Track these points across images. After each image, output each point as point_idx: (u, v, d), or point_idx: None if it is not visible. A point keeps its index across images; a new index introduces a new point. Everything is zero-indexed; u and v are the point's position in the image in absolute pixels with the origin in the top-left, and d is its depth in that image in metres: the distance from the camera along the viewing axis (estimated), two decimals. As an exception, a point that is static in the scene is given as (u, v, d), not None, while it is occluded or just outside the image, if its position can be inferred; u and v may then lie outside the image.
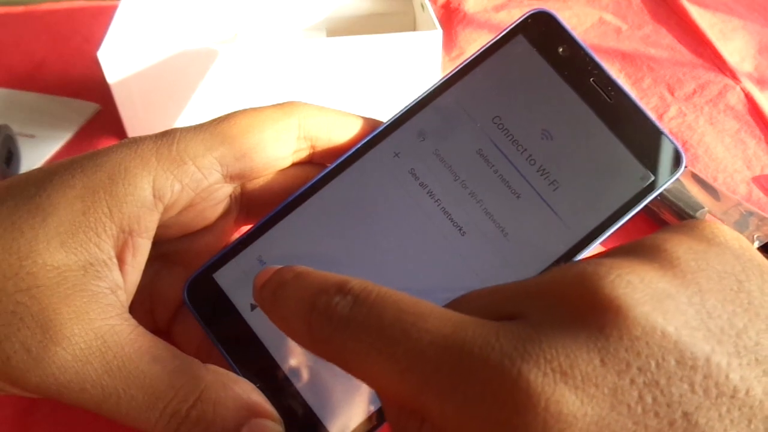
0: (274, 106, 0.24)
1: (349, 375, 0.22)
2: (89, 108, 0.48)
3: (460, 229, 0.23)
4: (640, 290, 0.14)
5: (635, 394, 0.13)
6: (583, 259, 0.16)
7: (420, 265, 0.23)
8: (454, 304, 0.17)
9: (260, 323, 0.23)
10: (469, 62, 0.24)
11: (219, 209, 0.24)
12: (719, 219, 0.34)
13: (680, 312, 0.13)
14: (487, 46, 0.24)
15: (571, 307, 0.14)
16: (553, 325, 0.14)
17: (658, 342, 0.13)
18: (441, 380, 0.14)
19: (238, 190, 0.25)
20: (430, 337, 0.14)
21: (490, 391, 0.13)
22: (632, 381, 0.13)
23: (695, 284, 0.14)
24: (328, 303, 0.16)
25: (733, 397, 0.13)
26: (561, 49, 0.23)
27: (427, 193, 0.23)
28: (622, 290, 0.14)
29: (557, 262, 0.22)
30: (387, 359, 0.14)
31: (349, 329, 0.15)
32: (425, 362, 0.14)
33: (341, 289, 0.16)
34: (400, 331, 0.14)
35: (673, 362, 0.13)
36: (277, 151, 0.23)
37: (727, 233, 0.16)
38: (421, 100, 0.24)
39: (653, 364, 0.13)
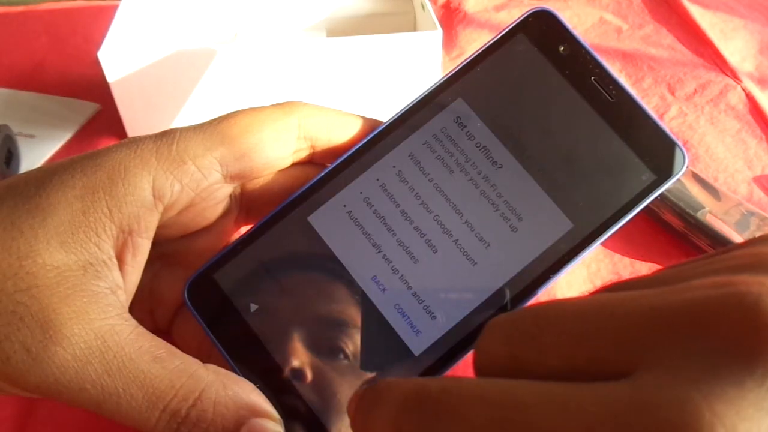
0: (273, 105, 0.24)
1: (348, 375, 0.22)
2: (89, 108, 0.48)
3: (464, 225, 0.23)
4: None
5: None
6: (711, 280, 0.12)
7: (423, 262, 0.23)
8: (493, 340, 0.14)
9: (260, 323, 0.23)
10: (469, 61, 0.24)
11: (219, 209, 0.24)
12: (720, 219, 0.34)
13: None
14: (488, 45, 0.24)
15: (738, 346, 0.10)
16: (721, 380, 0.10)
17: None
18: None
19: (238, 190, 0.25)
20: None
21: None
22: None
23: None
24: (412, 421, 0.14)
25: None
26: (562, 48, 0.23)
27: (427, 191, 0.23)
28: None
29: (559, 260, 0.22)
30: None
31: None
32: None
33: (421, 400, 0.14)
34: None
35: None
36: (276, 151, 0.23)
37: None
38: (421, 99, 0.24)
39: None
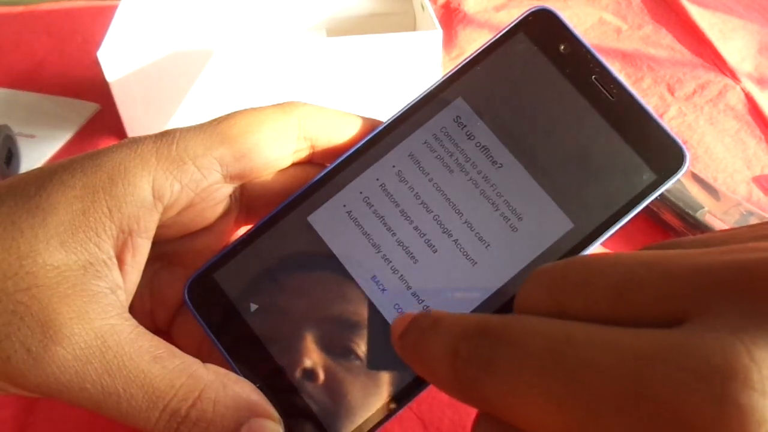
0: (273, 106, 0.24)
1: (349, 375, 0.22)
2: (89, 108, 0.48)
3: (464, 225, 0.23)
4: None
5: None
6: (762, 244, 0.13)
7: (423, 262, 0.23)
8: (537, 287, 0.15)
9: (260, 323, 0.23)
10: (470, 60, 0.24)
11: (219, 209, 0.24)
12: (719, 219, 0.34)
13: None
14: (488, 44, 0.24)
15: None
16: (764, 333, 0.11)
17: None
18: (620, 420, 0.11)
19: (239, 190, 0.25)
20: (587, 364, 0.12)
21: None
22: None
23: None
24: (471, 347, 0.14)
25: None
26: (562, 47, 0.23)
27: (428, 191, 0.23)
28: None
29: (560, 260, 0.22)
30: (540, 393, 0.13)
31: (496, 369, 0.14)
32: (588, 395, 0.12)
33: (482, 330, 0.15)
34: (552, 363, 0.13)
35: None
36: (276, 151, 0.23)
37: None
38: (421, 99, 0.24)
39: None
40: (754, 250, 0.13)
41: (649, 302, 0.13)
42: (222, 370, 0.21)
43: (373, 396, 0.22)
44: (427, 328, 0.16)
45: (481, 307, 0.22)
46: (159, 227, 0.22)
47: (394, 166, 0.24)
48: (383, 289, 0.23)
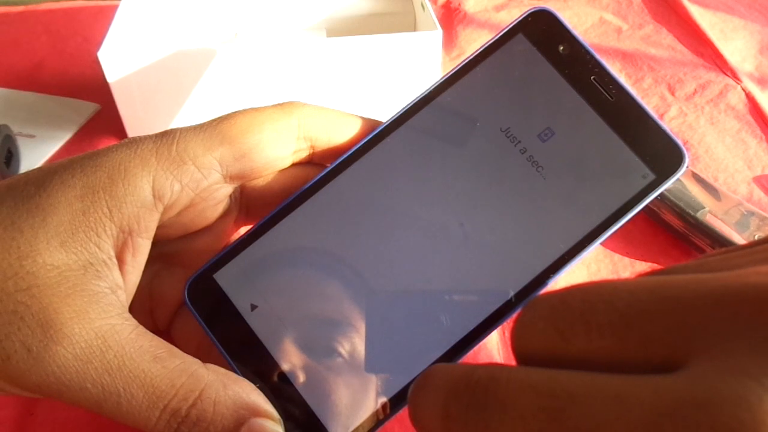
0: (273, 106, 0.24)
1: (350, 374, 0.22)
2: (89, 108, 0.48)
3: (461, 227, 0.23)
4: None
5: None
6: (747, 271, 0.12)
7: (422, 262, 0.23)
8: (538, 317, 0.14)
9: (260, 323, 0.23)
10: (469, 61, 0.24)
11: (219, 209, 0.24)
12: (720, 219, 0.34)
13: None
14: (488, 44, 0.24)
15: None
16: None
17: None
18: None
19: (239, 190, 0.25)
20: (591, 427, 0.11)
21: None
22: None
23: None
24: (462, 407, 0.14)
25: None
26: (561, 48, 0.23)
27: (427, 191, 0.23)
28: None
29: (558, 260, 0.22)
30: None
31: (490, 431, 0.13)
32: None
33: (469, 385, 0.14)
34: (551, 427, 0.12)
35: None
36: (276, 151, 0.23)
37: None
38: (420, 99, 0.24)
39: None
40: (754, 275, 0.12)
41: (655, 336, 0.12)
42: (222, 370, 0.21)
43: (373, 395, 0.22)
44: (421, 387, 0.15)
45: (481, 306, 0.22)
46: (159, 227, 0.22)
47: (393, 167, 0.24)
48: (384, 290, 0.23)
